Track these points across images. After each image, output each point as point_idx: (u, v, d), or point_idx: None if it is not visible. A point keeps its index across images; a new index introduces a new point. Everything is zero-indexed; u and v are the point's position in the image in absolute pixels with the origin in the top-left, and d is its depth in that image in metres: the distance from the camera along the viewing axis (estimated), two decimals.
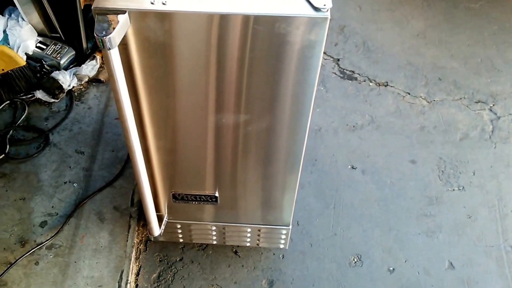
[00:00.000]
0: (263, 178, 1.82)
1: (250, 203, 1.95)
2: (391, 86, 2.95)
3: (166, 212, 2.02)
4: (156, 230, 1.91)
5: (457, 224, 2.37)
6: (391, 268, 2.18)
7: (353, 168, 2.54)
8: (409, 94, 2.91)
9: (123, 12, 1.24)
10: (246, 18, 1.26)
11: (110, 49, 1.21)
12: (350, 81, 2.97)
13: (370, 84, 2.97)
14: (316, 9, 1.23)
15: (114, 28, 1.20)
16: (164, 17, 1.27)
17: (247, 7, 1.26)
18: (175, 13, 1.26)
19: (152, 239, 2.13)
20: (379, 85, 2.96)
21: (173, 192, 1.90)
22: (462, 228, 2.35)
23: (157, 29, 1.31)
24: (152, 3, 1.26)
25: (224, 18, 1.27)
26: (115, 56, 1.24)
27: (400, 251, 2.25)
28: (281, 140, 1.65)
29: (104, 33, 1.19)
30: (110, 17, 1.23)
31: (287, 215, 1.99)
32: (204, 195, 1.89)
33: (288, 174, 1.79)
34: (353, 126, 2.73)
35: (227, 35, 1.31)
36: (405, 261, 2.21)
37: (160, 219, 1.97)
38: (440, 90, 2.95)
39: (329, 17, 1.24)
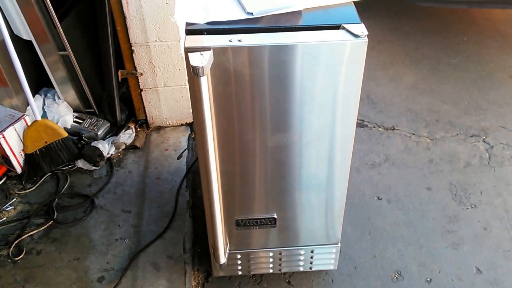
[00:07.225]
0: (315, 195, 2.10)
1: (304, 222, 2.20)
2: (398, 129, 3.48)
3: (228, 242, 2.23)
4: (222, 257, 2.14)
5: (476, 236, 2.75)
6: (429, 279, 2.52)
7: (379, 199, 2.95)
8: (414, 134, 3.43)
9: (208, 49, 1.59)
10: (305, 46, 1.64)
11: (202, 76, 1.56)
12: (362, 128, 3.47)
13: (379, 129, 3.48)
14: (356, 36, 1.64)
15: (205, 60, 1.56)
16: (240, 51, 1.63)
17: (305, 38, 1.65)
18: (248, 47, 1.62)
19: (218, 268, 2.33)
20: (387, 129, 3.48)
21: (236, 218, 2.13)
22: (481, 238, 2.74)
23: (234, 62, 1.64)
24: (230, 41, 1.61)
25: (290, 48, 1.63)
26: (204, 82, 1.59)
27: (433, 263, 2.60)
28: (330, 149, 1.94)
29: (198, 63, 1.54)
30: (199, 53, 1.58)
31: (336, 232, 2.27)
32: (264, 218, 2.14)
33: (338, 188, 2.08)
34: (372, 164, 3.19)
35: (292, 62, 1.67)
36: (439, 272, 2.56)
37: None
38: (439, 129, 3.49)
39: (367, 41, 1.63)
